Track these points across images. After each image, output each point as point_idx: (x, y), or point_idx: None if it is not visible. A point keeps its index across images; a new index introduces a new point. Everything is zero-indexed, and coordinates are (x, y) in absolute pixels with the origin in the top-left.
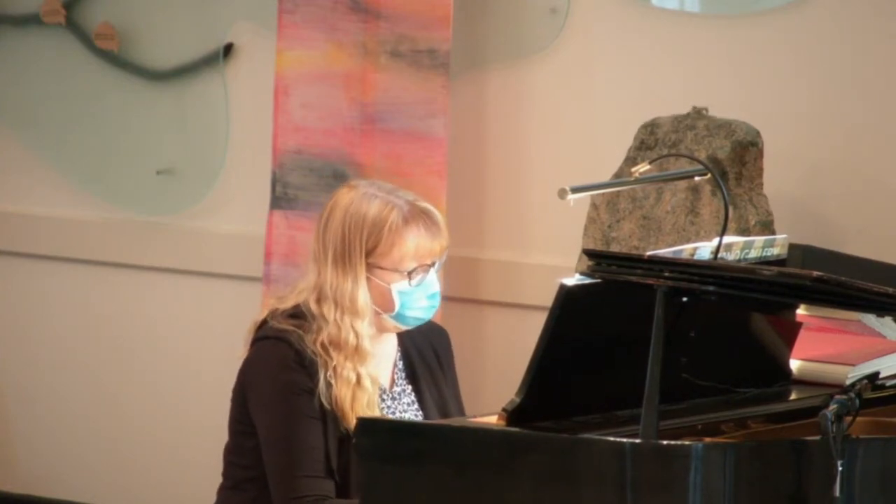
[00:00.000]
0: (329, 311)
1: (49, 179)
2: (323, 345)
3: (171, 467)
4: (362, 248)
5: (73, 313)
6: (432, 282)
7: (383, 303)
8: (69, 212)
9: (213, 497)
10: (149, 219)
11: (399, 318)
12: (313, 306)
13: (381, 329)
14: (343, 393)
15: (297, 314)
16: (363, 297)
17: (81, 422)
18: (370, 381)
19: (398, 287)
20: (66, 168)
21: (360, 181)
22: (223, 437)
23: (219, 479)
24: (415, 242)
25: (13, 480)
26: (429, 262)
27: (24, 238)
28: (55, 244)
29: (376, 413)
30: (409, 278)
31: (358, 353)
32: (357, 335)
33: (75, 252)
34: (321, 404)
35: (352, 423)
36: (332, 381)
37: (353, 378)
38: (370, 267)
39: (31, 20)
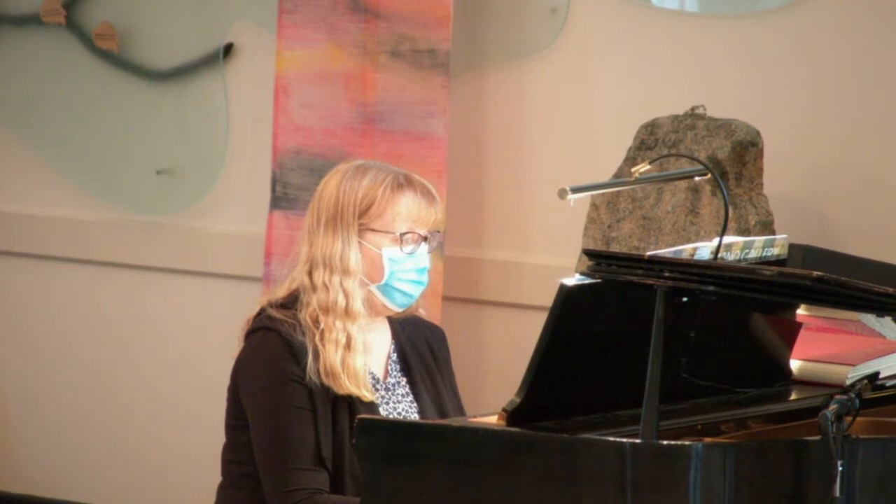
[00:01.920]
0: (319, 277)
1: (49, 179)
2: (313, 316)
3: (171, 467)
4: (356, 209)
5: (72, 313)
6: (423, 256)
7: (372, 271)
8: (69, 212)
9: (213, 497)
10: (149, 219)
11: (386, 289)
12: (305, 280)
13: (370, 307)
14: (332, 356)
15: (288, 303)
16: (354, 256)
17: (81, 422)
18: (361, 345)
19: (389, 253)
20: (66, 168)
21: (355, 158)
22: (223, 436)
23: (218, 479)
24: (409, 205)
25: (13, 480)
26: (422, 231)
27: (24, 238)
28: (55, 244)
29: (366, 379)
30: (402, 243)
31: (348, 313)
32: (346, 295)
33: (75, 252)
34: (310, 387)
35: (343, 386)
36: (321, 347)
37: (343, 339)
38: (362, 230)
39: (31, 20)
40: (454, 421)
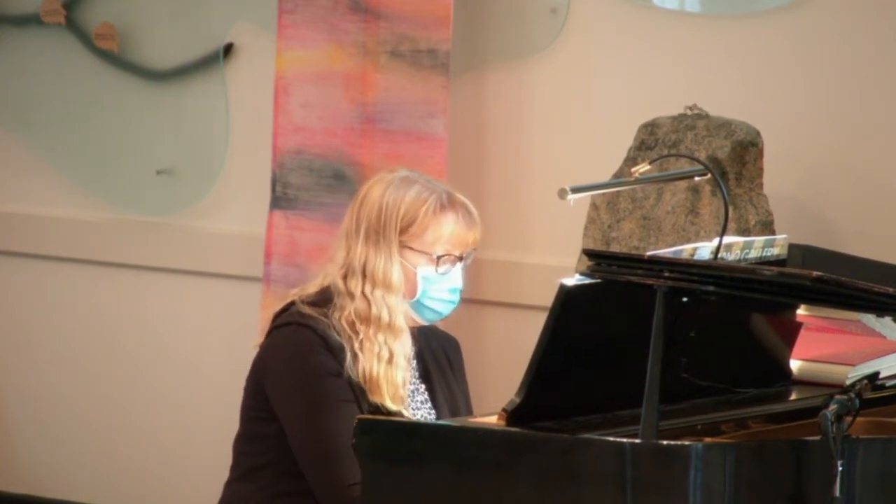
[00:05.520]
0: (356, 286)
1: (49, 179)
2: (349, 320)
3: (171, 467)
4: (397, 226)
5: (72, 313)
6: (457, 276)
7: (405, 287)
8: (69, 212)
9: (214, 496)
10: (149, 219)
11: (417, 306)
12: (339, 282)
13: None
14: (372, 367)
15: (319, 301)
16: (397, 273)
17: (81, 422)
18: (404, 359)
19: (423, 272)
20: (66, 168)
21: (400, 168)
22: (223, 436)
23: (219, 478)
24: (450, 228)
25: (13, 480)
26: (458, 252)
27: (24, 238)
28: (55, 244)
29: (405, 395)
30: (437, 264)
31: (391, 328)
32: (390, 310)
33: (75, 252)
34: (350, 382)
35: (384, 398)
36: (360, 354)
37: (386, 354)
38: (402, 247)
39: (31, 20)
40: (454, 421)
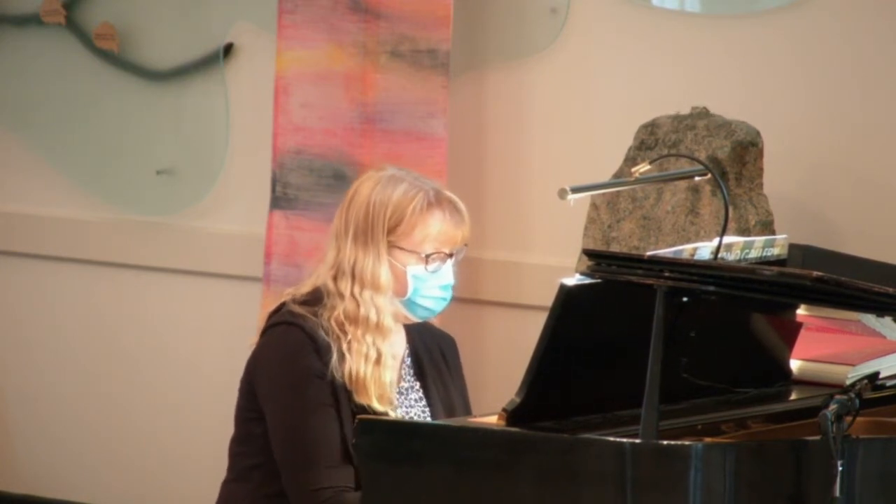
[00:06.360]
0: (346, 287)
1: (49, 179)
2: (338, 320)
3: (171, 467)
4: (384, 226)
5: (73, 313)
6: (447, 272)
7: (396, 286)
8: (69, 212)
9: (213, 496)
10: (149, 219)
11: (409, 304)
12: (330, 283)
13: (393, 317)
14: (360, 368)
15: (311, 300)
16: (385, 273)
17: (81, 422)
18: (392, 358)
19: (413, 271)
20: (66, 168)
21: (388, 165)
22: (223, 436)
23: (218, 479)
24: (437, 226)
25: (13, 480)
26: (448, 250)
27: (24, 238)
28: (55, 244)
29: (393, 396)
30: (427, 262)
31: (379, 328)
32: (378, 311)
33: (75, 252)
34: (333, 383)
35: (370, 399)
36: (347, 355)
37: (374, 355)
38: (389, 247)
39: (31, 20)
40: (454, 421)
